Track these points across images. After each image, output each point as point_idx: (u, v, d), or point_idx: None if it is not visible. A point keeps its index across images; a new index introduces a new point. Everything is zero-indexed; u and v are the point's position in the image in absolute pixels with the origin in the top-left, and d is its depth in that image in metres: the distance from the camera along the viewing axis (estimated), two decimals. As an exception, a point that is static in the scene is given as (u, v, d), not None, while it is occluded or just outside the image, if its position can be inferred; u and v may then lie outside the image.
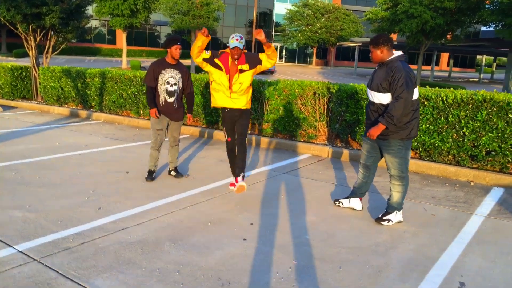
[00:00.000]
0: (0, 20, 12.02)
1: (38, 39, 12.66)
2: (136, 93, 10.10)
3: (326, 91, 7.63)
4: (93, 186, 5.26)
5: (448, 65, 66.75)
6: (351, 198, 4.75)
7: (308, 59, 61.22)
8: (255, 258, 3.52)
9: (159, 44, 56.76)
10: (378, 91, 4.14)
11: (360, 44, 42.63)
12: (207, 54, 4.86)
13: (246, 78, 4.85)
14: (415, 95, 4.11)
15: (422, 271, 3.42)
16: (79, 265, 3.29)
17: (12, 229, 3.88)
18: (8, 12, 11.40)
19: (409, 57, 60.32)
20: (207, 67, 4.89)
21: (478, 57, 68.90)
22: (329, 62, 59.28)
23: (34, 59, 12.73)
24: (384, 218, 4.36)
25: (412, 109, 4.13)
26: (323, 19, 50.36)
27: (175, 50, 5.33)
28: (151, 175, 5.62)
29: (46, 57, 13.12)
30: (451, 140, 6.35)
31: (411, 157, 6.69)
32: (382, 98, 4.15)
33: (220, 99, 4.94)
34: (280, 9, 57.91)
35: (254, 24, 35.77)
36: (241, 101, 4.91)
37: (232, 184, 5.36)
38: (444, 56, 67.13)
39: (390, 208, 4.38)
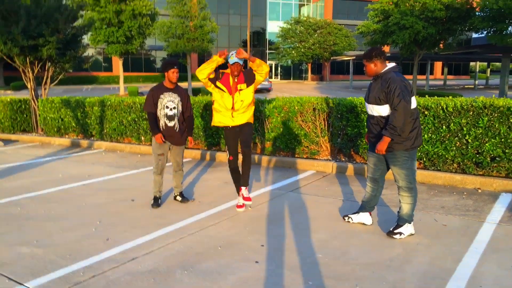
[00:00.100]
0: (-3, 54, 12.11)
1: (36, 70, 12.73)
2: (136, 119, 10.12)
3: (326, 106, 7.64)
4: (100, 216, 5.22)
5: (442, 74, 67.11)
6: (360, 213, 4.71)
7: (304, 75, 61.59)
8: (269, 281, 3.47)
9: (155, 69, 57.15)
10: (376, 103, 4.17)
11: (354, 57, 42.96)
12: (212, 74, 5.01)
13: (246, 95, 5.05)
14: (413, 104, 4.13)
15: (440, 284, 3.36)
16: (91, 299, 3.24)
17: (21, 266, 3.83)
18: (5, 45, 11.47)
19: (403, 68, 60.70)
20: (211, 87, 5.01)
21: (472, 63, 69.39)
22: (324, 77, 59.64)
23: (32, 91, 12.77)
24: (396, 231, 4.32)
25: (412, 118, 4.14)
26: (316, 35, 50.83)
27: (172, 74, 5.35)
28: (156, 202, 5.58)
29: (45, 88, 13.16)
30: (454, 148, 6.34)
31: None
32: (381, 110, 4.16)
33: (222, 118, 5.12)
34: (273, 28, 58.50)
35: (248, 43, 36.09)
36: (243, 117, 5.06)
37: (239, 206, 5.36)
38: (438, 65, 67.55)
39: (401, 220, 4.34)
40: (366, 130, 4.47)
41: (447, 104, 6.36)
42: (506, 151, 5.98)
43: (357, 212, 4.75)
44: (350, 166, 7.15)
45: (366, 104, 4.34)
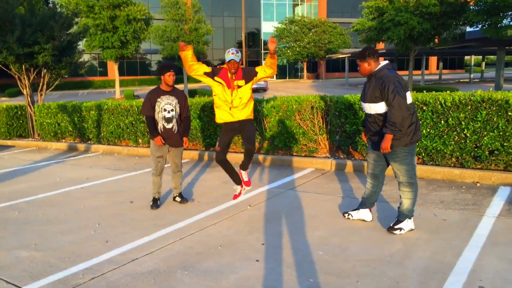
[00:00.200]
0: (-8, 62, 12.09)
1: (31, 77, 12.70)
2: (134, 122, 10.09)
3: (324, 104, 7.63)
4: (98, 219, 5.20)
5: (437, 68, 67.16)
6: (360, 210, 4.70)
7: (299, 74, 61.62)
8: (270, 279, 3.46)
9: (151, 72, 57.08)
10: (372, 101, 4.19)
11: (349, 55, 42.96)
12: (208, 68, 5.07)
13: (244, 92, 5.07)
14: (409, 99, 4.13)
15: (441, 279, 3.35)
16: (91, 301, 3.22)
17: (19, 270, 3.81)
18: (1, 54, 11.46)
19: (399, 64, 60.80)
20: (207, 80, 5.03)
21: (467, 57, 69.54)
22: (320, 75, 59.66)
23: (28, 97, 12.75)
24: (396, 227, 4.31)
25: (409, 113, 4.14)
26: (311, 34, 50.86)
27: (169, 77, 5.35)
28: (156, 203, 5.56)
29: (41, 94, 13.14)
30: (453, 142, 6.34)
31: (415, 163, 6.66)
32: (378, 108, 4.18)
33: (223, 114, 5.15)
34: (268, 28, 58.50)
35: (244, 44, 36.09)
36: (242, 114, 5.10)
37: (236, 196, 5.55)
38: (433, 60, 67.66)
39: (401, 216, 4.34)
40: (362, 125, 4.48)
41: (445, 99, 6.35)
42: (505, 144, 5.98)
43: (357, 209, 4.74)
44: (349, 163, 7.14)
45: (363, 103, 4.37)
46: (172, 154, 5.64)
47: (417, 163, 6.64)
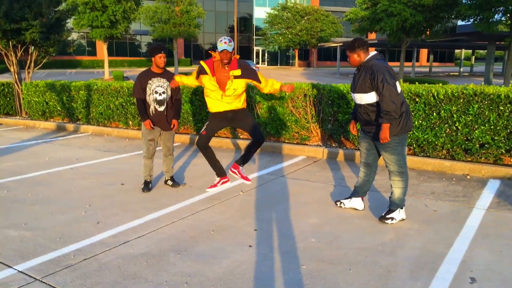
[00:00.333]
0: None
1: (19, 54, 12.45)
2: (124, 104, 9.97)
3: (317, 92, 7.62)
4: (89, 200, 5.15)
5: (428, 61, 67.62)
6: (353, 198, 4.73)
7: (291, 61, 61.47)
8: (263, 265, 3.47)
9: (140, 54, 56.44)
10: (362, 91, 4.18)
11: (341, 44, 42.94)
12: (194, 77, 5.02)
13: (239, 85, 4.77)
14: (398, 88, 4.13)
15: (432, 269, 3.40)
16: (83, 282, 3.20)
17: (9, 249, 3.76)
18: (-13, 30, 11.20)
19: (390, 55, 60.92)
20: (199, 79, 4.89)
21: (457, 51, 69.96)
22: (311, 63, 59.62)
23: (16, 74, 12.51)
24: (388, 216, 4.34)
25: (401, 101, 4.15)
26: (303, 21, 50.65)
27: (159, 59, 5.25)
28: (147, 186, 5.52)
29: (28, 72, 12.90)
30: (444, 135, 6.38)
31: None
32: (368, 98, 4.18)
33: (213, 104, 4.86)
34: (260, 13, 58.06)
35: (236, 29, 35.79)
36: (235, 104, 4.86)
37: (211, 187, 5.19)
38: (424, 52, 68.00)
39: (392, 205, 4.37)
40: (351, 117, 4.47)
41: (438, 91, 6.38)
42: (495, 138, 6.04)
43: (349, 197, 4.76)
44: (341, 152, 7.16)
45: (353, 94, 4.35)
46: (164, 137, 5.58)
47: (408, 154, 6.69)
